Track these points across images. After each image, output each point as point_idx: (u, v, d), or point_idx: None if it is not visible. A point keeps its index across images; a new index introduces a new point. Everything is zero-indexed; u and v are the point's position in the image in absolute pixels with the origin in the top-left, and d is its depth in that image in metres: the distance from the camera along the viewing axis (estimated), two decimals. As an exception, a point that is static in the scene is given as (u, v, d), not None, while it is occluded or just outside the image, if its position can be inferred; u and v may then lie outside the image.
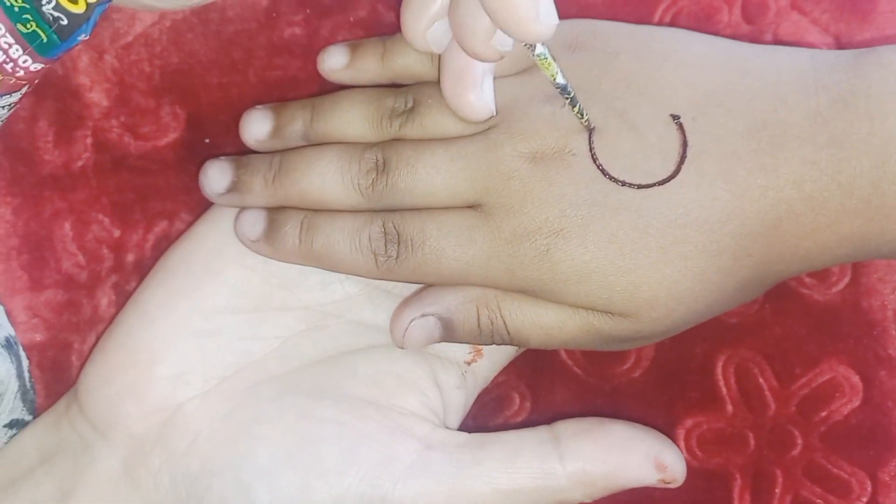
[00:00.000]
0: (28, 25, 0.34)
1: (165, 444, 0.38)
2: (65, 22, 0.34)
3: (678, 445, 0.44)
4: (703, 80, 0.37)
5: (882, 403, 0.43)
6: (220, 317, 0.39)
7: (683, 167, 0.36)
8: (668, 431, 0.43)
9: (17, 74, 0.36)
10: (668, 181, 0.36)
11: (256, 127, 0.40)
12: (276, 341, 0.40)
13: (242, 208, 0.40)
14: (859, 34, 0.44)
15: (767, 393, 0.44)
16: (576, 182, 0.36)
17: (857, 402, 0.43)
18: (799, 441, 0.43)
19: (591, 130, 0.37)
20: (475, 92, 0.37)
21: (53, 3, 0.34)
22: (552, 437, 0.38)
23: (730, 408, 0.44)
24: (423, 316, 0.38)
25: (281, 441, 0.38)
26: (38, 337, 0.43)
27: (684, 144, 0.36)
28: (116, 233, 0.44)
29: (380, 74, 0.41)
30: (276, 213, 0.39)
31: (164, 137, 0.44)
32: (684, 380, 0.44)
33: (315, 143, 0.40)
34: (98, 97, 0.43)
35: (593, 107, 0.37)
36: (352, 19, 0.44)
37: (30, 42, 0.35)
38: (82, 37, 0.35)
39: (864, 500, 0.43)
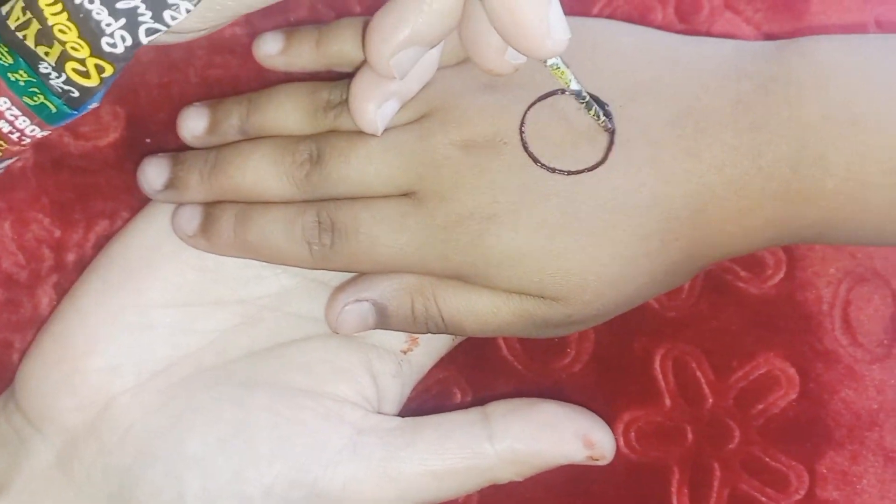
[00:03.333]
0: (35, 98, 0.34)
1: (98, 437, 0.38)
2: (76, 94, 0.33)
3: (617, 439, 0.44)
4: (631, 70, 0.38)
5: (819, 396, 0.44)
6: (155, 311, 0.39)
7: (611, 154, 0.37)
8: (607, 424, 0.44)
9: (24, 143, 0.35)
10: (597, 167, 0.37)
11: (193, 123, 0.41)
12: (211, 335, 0.40)
13: (180, 204, 0.40)
14: (791, 33, 0.45)
15: (705, 386, 0.44)
16: (507, 169, 0.37)
17: (793, 395, 0.44)
18: (736, 434, 0.44)
19: (522, 119, 0.37)
20: (373, 105, 0.37)
21: (63, 78, 0.33)
22: (482, 418, 0.38)
23: (668, 401, 0.44)
24: (356, 301, 0.39)
25: (213, 430, 0.38)
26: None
27: (611, 132, 0.37)
28: (57, 232, 0.44)
29: (314, 61, 0.41)
30: (211, 207, 0.39)
31: (104, 137, 0.44)
32: (623, 374, 0.44)
33: (253, 138, 0.40)
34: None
35: (526, 97, 0.38)
36: (292, 19, 0.45)
37: (38, 113, 0.34)
38: (93, 105, 0.34)
39: (802, 492, 0.43)
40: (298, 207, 0.38)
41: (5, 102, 0.34)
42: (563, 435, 0.38)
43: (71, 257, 0.44)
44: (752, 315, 0.44)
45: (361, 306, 0.39)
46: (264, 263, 0.40)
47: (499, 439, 0.38)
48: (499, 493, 0.43)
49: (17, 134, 0.35)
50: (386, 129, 0.38)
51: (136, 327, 0.39)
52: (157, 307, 0.39)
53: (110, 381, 0.39)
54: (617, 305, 0.39)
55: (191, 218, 0.39)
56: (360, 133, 0.38)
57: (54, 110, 0.34)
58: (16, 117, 0.34)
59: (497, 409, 0.39)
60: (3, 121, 0.34)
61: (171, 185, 0.40)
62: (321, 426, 0.38)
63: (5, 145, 0.35)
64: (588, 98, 0.36)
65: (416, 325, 0.39)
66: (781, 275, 0.44)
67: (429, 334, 0.40)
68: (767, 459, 0.44)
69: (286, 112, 0.40)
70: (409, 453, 0.38)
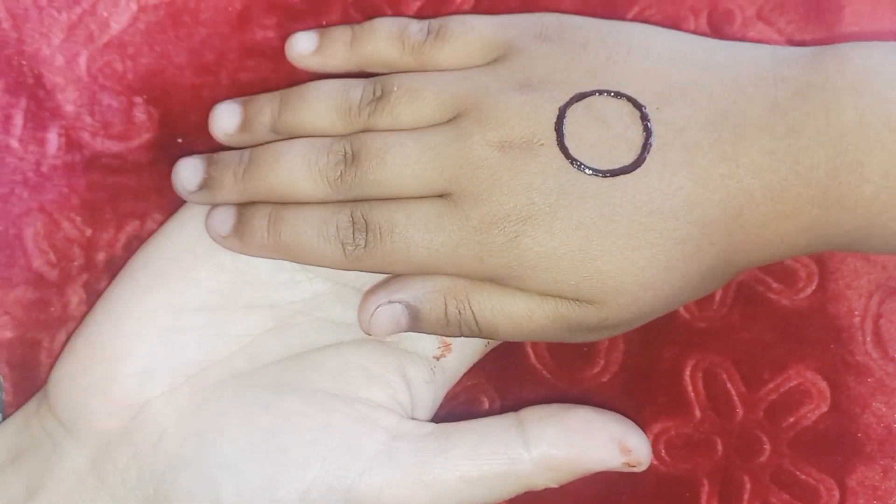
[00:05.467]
0: None
1: (132, 441, 0.38)
2: None
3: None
4: (667, 73, 0.38)
5: (849, 410, 0.43)
6: (188, 314, 0.39)
7: (648, 157, 0.37)
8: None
9: None
10: (633, 169, 0.37)
11: (225, 120, 0.41)
12: (243, 339, 0.40)
13: (213, 205, 0.40)
14: (824, 43, 0.44)
15: (735, 398, 0.44)
16: (543, 171, 0.37)
17: (824, 408, 0.43)
18: (767, 447, 0.43)
19: (560, 120, 0.37)
20: None
21: None
22: (517, 423, 0.38)
23: (698, 413, 0.44)
24: (389, 303, 0.38)
25: (245, 435, 0.37)
26: (7, 334, 0.43)
27: (648, 133, 0.37)
28: (88, 232, 0.44)
29: (348, 61, 0.41)
30: (244, 207, 0.39)
31: (136, 138, 0.44)
32: (652, 384, 0.44)
33: (285, 136, 0.40)
34: (71, 97, 0.44)
35: (561, 98, 0.37)
36: (324, 23, 0.45)
37: None
38: None
39: (833, 506, 0.43)
40: (332, 207, 0.38)
41: None
42: (599, 441, 0.37)
43: (101, 257, 0.44)
44: (783, 327, 0.44)
45: (394, 308, 0.38)
46: (297, 268, 0.40)
47: (534, 445, 0.37)
48: (526, 504, 0.43)
49: None
50: (421, 129, 0.38)
51: (169, 331, 0.39)
52: (189, 310, 0.39)
53: (143, 385, 0.39)
54: (653, 309, 0.38)
55: (224, 218, 0.39)
56: (395, 133, 0.38)
57: None
58: None
59: (531, 414, 0.38)
60: None
61: (205, 185, 0.40)
62: (355, 431, 0.38)
63: None
64: None
65: (449, 328, 0.39)
66: (813, 287, 0.44)
67: (462, 340, 0.40)
68: (798, 473, 0.43)
69: (318, 110, 0.40)
70: (443, 459, 0.37)
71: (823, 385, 0.44)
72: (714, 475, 0.43)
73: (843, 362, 0.44)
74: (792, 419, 0.43)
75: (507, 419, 0.38)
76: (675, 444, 0.44)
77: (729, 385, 0.44)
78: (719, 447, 0.43)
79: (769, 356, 0.44)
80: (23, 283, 0.43)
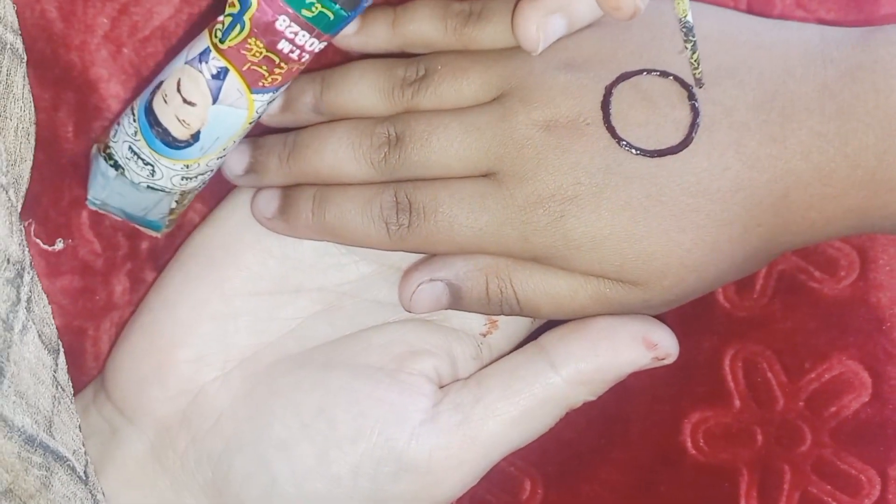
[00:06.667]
0: (313, 9, 0.34)
1: (190, 426, 0.39)
2: None
3: (684, 440, 0.44)
4: (714, 53, 0.38)
5: (891, 399, 0.43)
6: (239, 300, 0.40)
7: (696, 137, 0.37)
8: (674, 425, 0.44)
9: (303, 60, 0.36)
10: (681, 149, 0.36)
11: None
12: (293, 322, 0.40)
13: (258, 189, 0.40)
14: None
15: (776, 388, 0.43)
16: (590, 150, 0.37)
17: (866, 398, 0.43)
18: (808, 437, 0.43)
19: (606, 99, 0.37)
20: (533, 21, 0.37)
21: None
22: (539, 350, 0.38)
23: (737, 402, 0.44)
24: (431, 281, 0.39)
25: (296, 415, 0.38)
26: (54, 322, 0.43)
27: (696, 113, 0.37)
28: (131, 221, 0.44)
29: (390, 41, 0.41)
30: (290, 189, 0.40)
31: (179, 128, 0.44)
32: (691, 374, 0.44)
33: (328, 118, 0.40)
34: (116, 89, 0.44)
35: (607, 77, 0.37)
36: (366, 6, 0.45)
37: (316, 24, 0.35)
38: (367, 3, 0.35)
39: (874, 497, 0.43)
40: (376, 188, 0.38)
41: (284, 21, 0.35)
42: (623, 342, 0.38)
43: (145, 246, 0.44)
44: (824, 316, 0.44)
45: (435, 286, 0.39)
46: (343, 251, 0.40)
47: (561, 365, 0.38)
48: (564, 494, 0.43)
49: (298, 52, 0.36)
50: (464, 109, 0.38)
51: (221, 317, 0.40)
52: (240, 296, 0.40)
53: (199, 371, 0.39)
54: (695, 290, 0.38)
55: (269, 201, 0.39)
56: (439, 115, 0.38)
57: (332, 17, 0.34)
58: (295, 34, 0.35)
59: (551, 337, 0.39)
60: (284, 41, 0.35)
61: (251, 169, 0.40)
62: (400, 401, 0.38)
63: (285, 66, 0.36)
64: (696, 40, 0.36)
65: (491, 307, 0.39)
66: (855, 275, 0.44)
67: (508, 318, 0.40)
68: (839, 463, 0.43)
69: (362, 90, 0.40)
70: (481, 408, 0.38)
71: (865, 375, 0.43)
72: (754, 465, 0.43)
73: (885, 352, 0.43)
74: (833, 409, 0.43)
75: (530, 349, 0.39)
76: (715, 434, 0.44)
77: (770, 374, 0.44)
78: (759, 437, 0.43)
79: (810, 345, 0.44)
80: (69, 271, 0.44)
